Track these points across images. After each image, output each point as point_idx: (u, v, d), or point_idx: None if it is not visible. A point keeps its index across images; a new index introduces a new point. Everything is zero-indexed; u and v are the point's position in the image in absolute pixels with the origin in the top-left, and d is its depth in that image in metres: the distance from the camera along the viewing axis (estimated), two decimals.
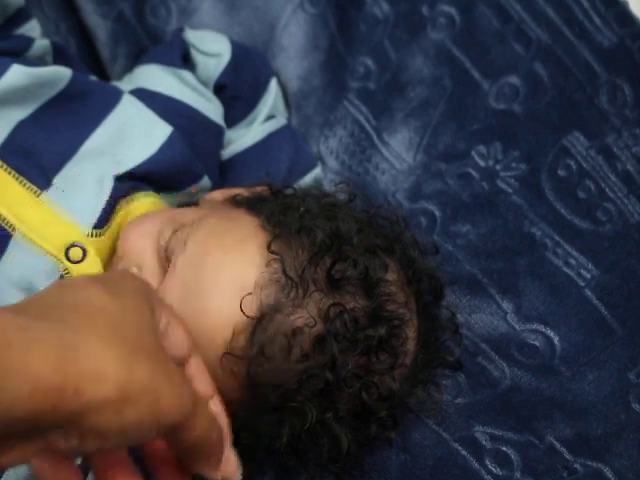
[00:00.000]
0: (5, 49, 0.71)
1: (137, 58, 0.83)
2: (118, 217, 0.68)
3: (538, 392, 0.70)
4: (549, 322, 0.72)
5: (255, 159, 0.80)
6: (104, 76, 0.84)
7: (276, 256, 0.58)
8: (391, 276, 0.63)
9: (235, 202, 0.68)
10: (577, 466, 0.66)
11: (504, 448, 0.66)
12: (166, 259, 0.63)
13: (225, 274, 0.59)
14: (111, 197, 0.67)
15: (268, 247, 0.59)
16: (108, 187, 0.67)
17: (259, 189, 0.71)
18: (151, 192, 0.71)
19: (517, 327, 0.73)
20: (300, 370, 0.58)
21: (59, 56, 0.75)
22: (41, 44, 0.73)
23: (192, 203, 0.74)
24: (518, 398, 0.70)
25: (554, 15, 0.79)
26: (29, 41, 0.73)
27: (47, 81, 0.68)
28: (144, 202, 0.70)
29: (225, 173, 0.80)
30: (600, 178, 0.76)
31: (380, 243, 0.64)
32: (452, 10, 0.81)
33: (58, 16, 0.84)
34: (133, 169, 0.69)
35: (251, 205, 0.66)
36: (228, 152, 0.80)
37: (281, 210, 0.63)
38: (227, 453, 0.51)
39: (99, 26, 0.83)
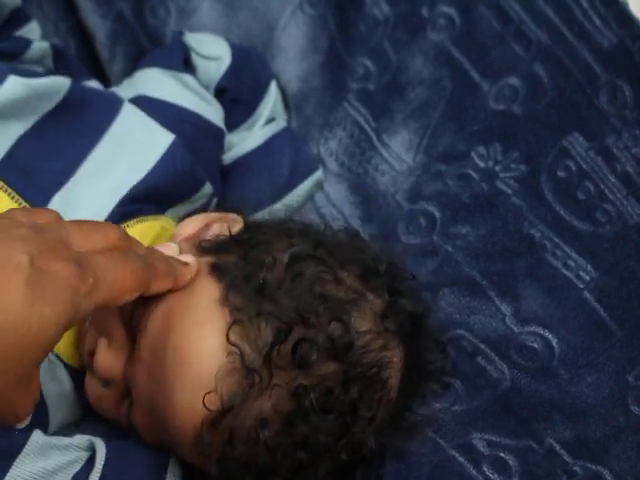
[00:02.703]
0: (2, 50, 0.71)
1: (136, 58, 0.83)
2: None
3: (537, 394, 0.70)
4: (548, 324, 0.72)
5: (257, 163, 0.80)
6: (103, 77, 0.84)
7: (234, 348, 0.56)
8: (365, 326, 0.61)
9: (200, 249, 0.65)
10: (576, 468, 0.66)
11: (502, 454, 0.66)
12: (132, 332, 0.61)
13: (186, 371, 0.57)
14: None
15: (227, 337, 0.57)
16: (105, 214, 0.66)
17: (231, 219, 0.68)
18: (149, 217, 0.69)
19: (516, 329, 0.73)
20: (272, 452, 0.57)
21: (59, 59, 0.75)
22: (40, 46, 0.73)
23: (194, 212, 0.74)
24: (518, 400, 0.70)
25: (554, 16, 0.78)
26: (27, 43, 0.72)
27: (45, 93, 0.67)
28: (138, 230, 0.68)
29: (227, 177, 0.79)
30: (600, 179, 0.76)
31: (350, 296, 0.61)
32: (452, 11, 0.81)
33: (58, 16, 0.84)
34: (132, 190, 0.68)
35: (214, 262, 0.62)
36: (230, 156, 0.80)
37: (242, 279, 0.60)
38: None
39: (98, 26, 0.83)
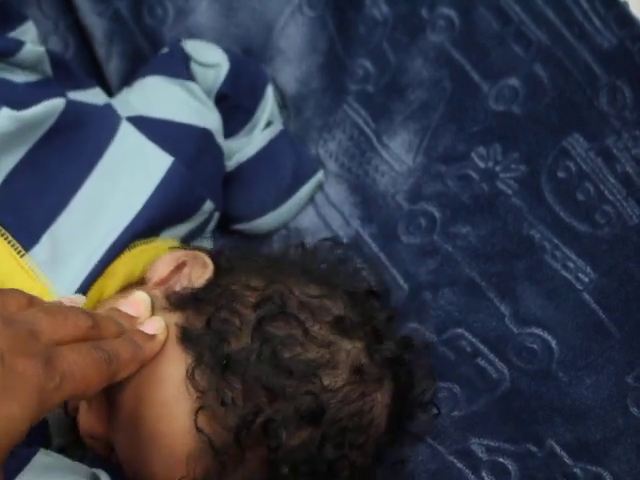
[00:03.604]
0: None
1: (132, 58, 0.83)
2: (100, 279, 0.65)
3: (537, 396, 0.70)
4: (547, 325, 0.72)
5: (261, 167, 0.80)
6: (100, 76, 0.83)
7: (203, 436, 0.56)
8: (340, 381, 0.60)
9: (170, 303, 0.63)
10: (577, 470, 0.66)
11: (501, 459, 0.66)
12: (109, 396, 0.61)
13: (160, 447, 0.57)
14: (97, 267, 0.65)
15: (195, 424, 0.56)
16: (97, 258, 0.65)
17: (199, 259, 0.66)
18: (140, 242, 0.68)
19: (515, 330, 0.73)
20: None
21: (58, 66, 0.72)
22: (34, 51, 0.70)
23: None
24: (517, 402, 0.70)
25: (554, 16, 0.78)
26: (18, 44, 0.69)
27: (37, 122, 0.65)
28: (131, 257, 0.67)
29: (231, 184, 0.79)
30: (599, 180, 0.76)
31: (324, 353, 0.60)
32: (451, 12, 0.80)
33: (57, 15, 0.84)
34: (128, 228, 0.66)
35: (183, 327, 0.60)
36: (232, 163, 0.79)
37: (209, 350, 0.58)
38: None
39: (95, 25, 0.82)
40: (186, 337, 0.60)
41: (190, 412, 0.57)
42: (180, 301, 0.63)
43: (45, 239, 0.64)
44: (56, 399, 0.49)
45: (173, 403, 0.58)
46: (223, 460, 0.56)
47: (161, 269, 0.66)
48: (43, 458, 0.57)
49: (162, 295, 0.64)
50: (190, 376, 0.58)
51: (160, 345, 0.59)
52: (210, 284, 0.64)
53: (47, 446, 0.64)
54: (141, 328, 0.59)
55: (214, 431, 0.57)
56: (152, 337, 0.59)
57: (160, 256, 0.67)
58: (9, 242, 0.63)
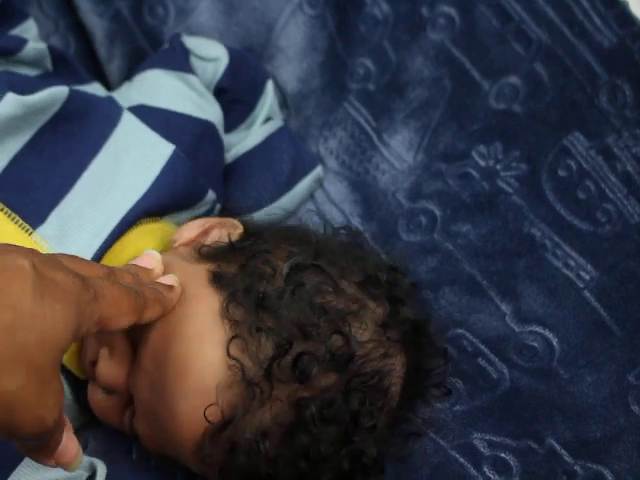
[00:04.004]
0: None
1: (133, 58, 0.83)
2: (108, 255, 0.66)
3: (537, 394, 0.70)
4: (548, 324, 0.72)
5: (258, 161, 0.80)
6: (101, 76, 0.83)
7: (235, 362, 0.57)
8: (366, 336, 0.61)
9: (200, 255, 0.65)
10: (577, 468, 0.66)
11: (503, 454, 0.66)
12: (134, 341, 0.61)
13: (187, 381, 0.57)
14: (104, 243, 0.65)
15: (227, 352, 0.57)
16: (105, 234, 0.65)
17: (230, 224, 0.68)
18: (147, 220, 0.69)
19: (516, 329, 0.73)
20: (273, 463, 0.57)
21: (59, 62, 0.73)
22: (36, 47, 0.71)
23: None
24: (518, 400, 0.70)
25: (554, 15, 0.78)
26: (21, 42, 0.71)
27: (42, 108, 0.66)
28: (138, 235, 0.68)
29: (229, 177, 0.79)
30: (600, 179, 0.76)
31: (350, 307, 0.61)
32: (452, 10, 0.80)
33: (57, 14, 0.84)
34: (133, 208, 0.67)
35: (215, 271, 0.62)
36: (230, 156, 0.79)
37: (242, 291, 0.59)
38: (66, 441, 0.51)
39: (96, 25, 0.83)
40: (218, 279, 0.61)
41: (222, 343, 0.57)
42: (212, 252, 0.64)
43: (52, 218, 0.65)
44: (93, 314, 0.49)
45: (205, 335, 0.58)
46: (252, 393, 0.56)
47: (187, 232, 0.68)
48: None
49: (190, 249, 0.65)
50: (224, 308, 0.59)
51: (178, 296, 0.60)
52: (242, 239, 0.65)
53: None
54: (157, 281, 0.60)
55: (246, 361, 0.57)
56: (171, 287, 0.60)
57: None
58: (16, 222, 0.64)
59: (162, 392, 0.58)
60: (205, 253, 0.64)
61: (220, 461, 0.58)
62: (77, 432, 0.64)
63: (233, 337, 0.57)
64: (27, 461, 0.56)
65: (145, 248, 0.66)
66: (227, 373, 0.57)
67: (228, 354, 0.57)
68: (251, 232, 0.67)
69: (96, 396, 0.64)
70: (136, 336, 0.61)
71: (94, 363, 0.63)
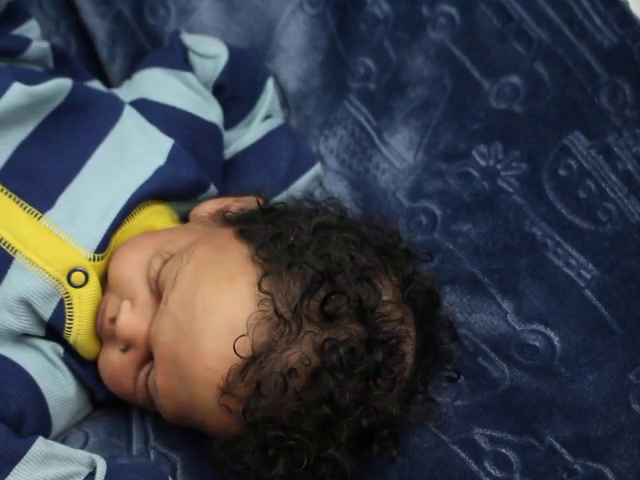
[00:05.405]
0: (1, 49, 0.71)
1: (135, 58, 0.83)
2: (118, 235, 0.68)
3: (538, 393, 0.70)
4: (549, 322, 0.72)
5: (256, 157, 0.80)
6: (103, 76, 0.84)
7: (267, 296, 0.58)
8: (386, 295, 0.63)
9: (225, 220, 0.68)
10: (577, 467, 0.66)
11: (503, 450, 0.66)
12: (157, 292, 0.63)
13: (217, 316, 0.59)
14: (114, 221, 0.67)
15: (259, 286, 0.59)
16: (114, 212, 0.67)
17: (249, 200, 0.71)
18: (158, 202, 0.71)
19: (517, 327, 0.73)
20: (298, 406, 0.58)
21: (60, 60, 0.75)
22: (39, 46, 0.73)
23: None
24: (518, 399, 0.70)
25: (554, 15, 0.78)
26: (26, 42, 0.73)
27: (48, 97, 0.68)
28: (145, 216, 0.70)
29: (227, 173, 0.80)
30: (601, 178, 0.76)
31: (373, 265, 0.63)
32: (452, 10, 0.81)
33: (58, 15, 0.84)
34: (139, 190, 0.69)
35: (241, 228, 0.65)
36: (229, 152, 0.80)
37: (271, 239, 0.62)
38: None
39: (98, 26, 0.83)
40: (246, 233, 0.64)
41: (253, 281, 0.59)
42: (236, 218, 0.68)
43: (60, 201, 0.67)
44: None
45: (236, 275, 0.60)
46: (281, 330, 0.58)
47: (208, 207, 0.71)
48: (42, 448, 0.58)
49: (211, 221, 0.69)
50: (255, 252, 0.61)
51: None
52: (266, 209, 0.68)
53: (47, 433, 0.64)
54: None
55: (278, 296, 0.59)
56: None
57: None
58: (24, 208, 0.66)
59: (188, 332, 0.59)
60: (230, 218, 0.67)
61: (244, 403, 0.58)
62: (77, 427, 0.64)
63: (264, 275, 0.59)
64: (28, 458, 0.56)
65: (155, 226, 0.69)
66: (257, 309, 0.58)
67: (260, 288, 0.58)
68: (272, 204, 0.70)
69: (112, 357, 0.65)
70: (161, 283, 0.62)
71: (113, 320, 0.64)
